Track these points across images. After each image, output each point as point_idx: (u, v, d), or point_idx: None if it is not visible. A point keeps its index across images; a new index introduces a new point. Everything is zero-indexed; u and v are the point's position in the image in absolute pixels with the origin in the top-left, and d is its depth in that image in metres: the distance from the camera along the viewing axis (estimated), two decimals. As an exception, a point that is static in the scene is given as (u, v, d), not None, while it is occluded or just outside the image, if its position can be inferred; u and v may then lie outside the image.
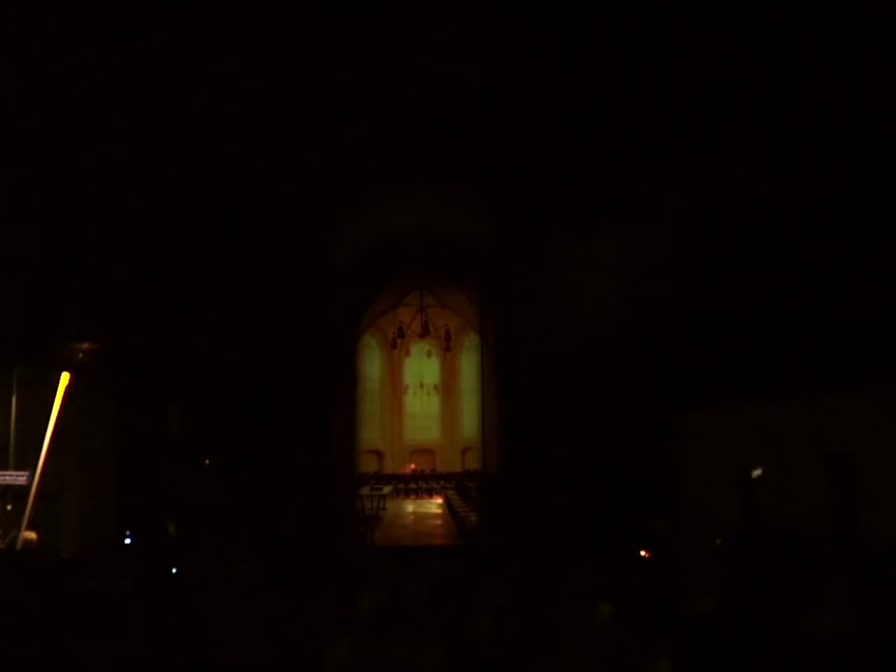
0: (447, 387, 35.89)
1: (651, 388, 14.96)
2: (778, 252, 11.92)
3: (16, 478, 11.30)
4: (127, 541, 14.33)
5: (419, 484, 30.45)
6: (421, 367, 35.90)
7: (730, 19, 10.07)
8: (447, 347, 34.31)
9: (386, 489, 26.79)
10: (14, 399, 11.75)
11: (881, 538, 10.34)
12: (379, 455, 34.77)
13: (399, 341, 31.75)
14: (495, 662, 5.83)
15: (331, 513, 17.62)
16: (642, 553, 12.66)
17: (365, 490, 25.39)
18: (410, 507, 26.51)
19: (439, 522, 22.88)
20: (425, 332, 30.61)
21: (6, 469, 11.53)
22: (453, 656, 5.64)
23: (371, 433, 34.28)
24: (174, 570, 10.87)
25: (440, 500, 27.89)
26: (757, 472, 13.88)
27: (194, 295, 15.07)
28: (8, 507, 11.46)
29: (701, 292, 13.47)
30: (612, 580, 8.79)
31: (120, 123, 11.65)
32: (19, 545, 10.46)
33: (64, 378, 11.15)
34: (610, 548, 12.17)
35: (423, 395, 35.78)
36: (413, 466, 32.85)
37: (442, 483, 30.69)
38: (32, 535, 10.60)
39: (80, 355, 11.42)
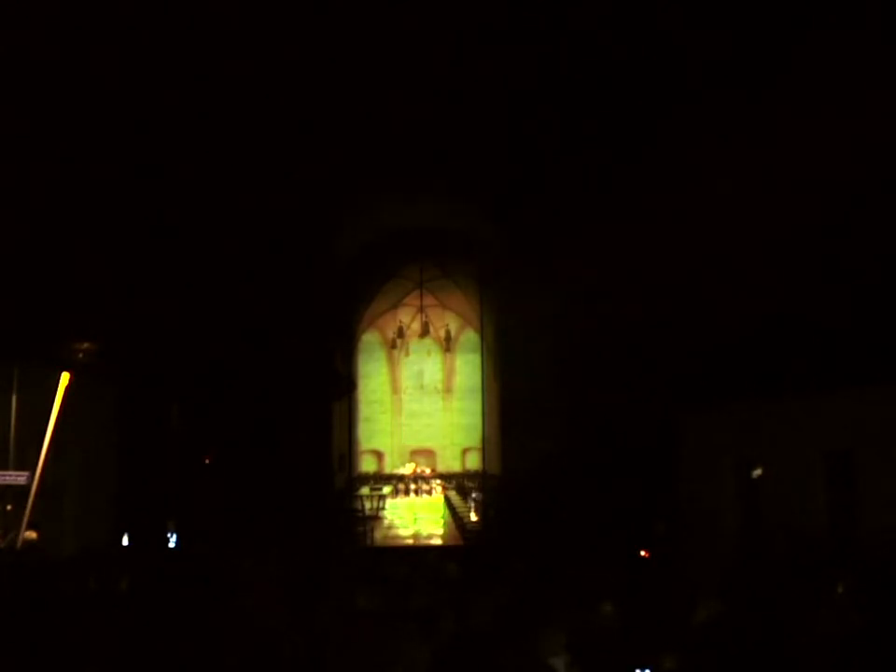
0: (447, 387, 35.86)
1: (651, 388, 14.94)
2: (778, 252, 11.92)
3: (16, 478, 11.28)
4: (126, 542, 14.33)
5: (419, 485, 30.42)
6: (421, 367, 35.85)
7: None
8: (447, 347, 34.29)
9: (386, 489, 26.74)
10: (14, 399, 11.72)
11: (881, 538, 10.33)
12: (379, 455, 34.76)
13: (399, 341, 31.76)
14: (495, 662, 5.82)
15: (331, 513, 17.62)
16: (642, 553, 12.67)
17: (365, 490, 25.37)
18: (409, 509, 26.46)
19: (438, 522, 22.86)
20: (425, 332, 30.61)
21: (6, 468, 11.52)
22: (452, 655, 5.62)
23: (370, 433, 34.26)
24: (173, 570, 10.86)
25: (440, 501, 27.87)
26: (757, 472, 13.87)
27: (194, 295, 15.07)
28: (8, 507, 11.45)
29: (701, 292, 13.46)
30: (613, 580, 8.77)
31: (118, 123, 11.66)
32: (19, 545, 10.45)
33: (64, 378, 11.13)
34: (611, 548, 12.16)
35: (423, 395, 35.75)
36: (413, 466, 32.82)
37: (443, 483, 30.66)
38: (32, 535, 10.58)
39: (80, 355, 11.40)
